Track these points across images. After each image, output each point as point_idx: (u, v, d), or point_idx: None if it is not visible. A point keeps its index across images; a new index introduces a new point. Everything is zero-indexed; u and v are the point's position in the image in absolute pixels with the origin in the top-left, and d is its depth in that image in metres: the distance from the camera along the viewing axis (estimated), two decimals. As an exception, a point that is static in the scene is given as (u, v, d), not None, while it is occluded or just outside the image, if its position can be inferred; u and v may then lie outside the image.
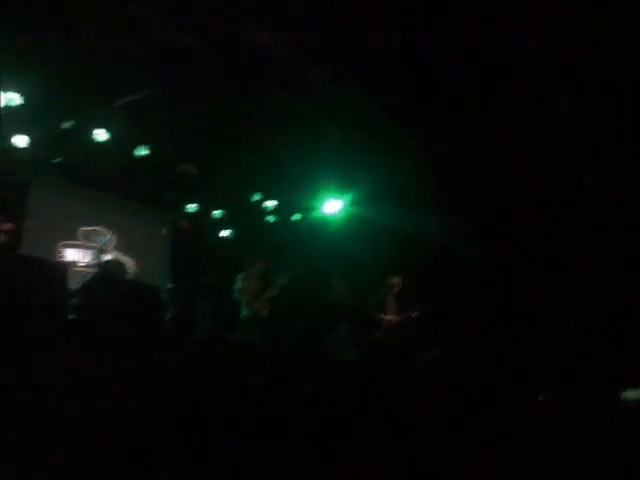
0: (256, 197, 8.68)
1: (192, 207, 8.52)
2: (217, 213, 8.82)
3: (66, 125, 6.17)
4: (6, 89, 5.60)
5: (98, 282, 3.63)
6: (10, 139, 6.13)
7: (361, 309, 7.30)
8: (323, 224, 9.21)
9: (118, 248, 7.95)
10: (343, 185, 8.76)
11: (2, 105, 5.67)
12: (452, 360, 6.76)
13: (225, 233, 9.12)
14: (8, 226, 5.69)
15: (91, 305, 3.32)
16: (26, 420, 2.54)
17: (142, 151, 6.98)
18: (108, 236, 7.86)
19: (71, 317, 3.30)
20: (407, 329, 7.62)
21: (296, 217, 9.24)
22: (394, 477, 3.74)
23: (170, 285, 7.88)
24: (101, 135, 6.54)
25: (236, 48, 5.55)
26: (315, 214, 9.24)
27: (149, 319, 3.95)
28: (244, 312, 7.08)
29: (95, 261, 7.58)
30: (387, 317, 7.61)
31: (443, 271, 8.66)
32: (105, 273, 5.63)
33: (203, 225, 8.94)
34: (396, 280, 7.87)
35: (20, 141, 6.18)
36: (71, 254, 7.47)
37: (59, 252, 7.33)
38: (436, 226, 8.97)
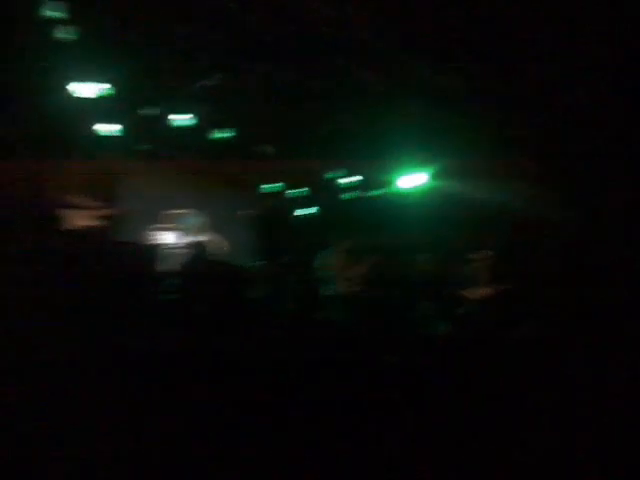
0: (335, 173, 8.67)
1: (274, 186, 8.64)
2: (300, 191, 8.89)
3: (152, 112, 6.37)
4: (98, 80, 5.84)
5: (193, 264, 3.75)
6: (102, 128, 6.39)
7: (449, 284, 7.16)
8: (407, 198, 9.07)
9: (204, 229, 8.20)
10: (426, 158, 8.60)
11: (95, 95, 5.93)
12: (546, 336, 6.54)
13: (309, 211, 9.19)
14: (106, 211, 5.99)
15: (188, 286, 3.45)
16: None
17: (224, 134, 7.12)
18: (195, 218, 8.12)
19: (170, 297, 3.46)
20: (497, 303, 7.42)
21: (376, 192, 9.15)
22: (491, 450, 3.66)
23: (256, 264, 8.07)
24: (184, 120, 6.72)
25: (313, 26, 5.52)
26: (396, 188, 9.12)
27: (241, 298, 4.07)
28: (328, 290, 7.13)
29: (183, 243, 7.87)
30: (475, 291, 7.42)
31: (534, 244, 8.33)
32: (195, 255, 5.81)
33: (284, 204, 9.05)
34: (485, 253, 7.67)
35: (111, 129, 6.44)
36: (162, 236, 7.77)
37: (151, 235, 7.64)
38: (526, 198, 8.65)
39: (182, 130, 6.75)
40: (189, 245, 7.07)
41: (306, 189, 8.89)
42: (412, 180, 8.93)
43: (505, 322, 7.24)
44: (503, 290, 7.52)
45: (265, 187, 8.54)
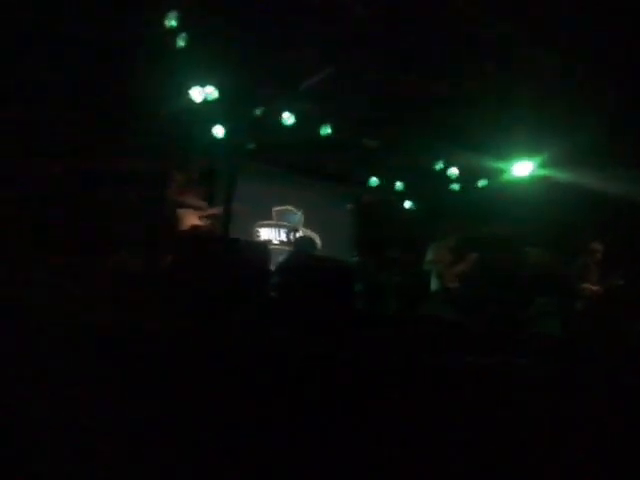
0: (439, 165, 8.47)
1: (374, 181, 8.58)
2: (399, 185, 8.78)
3: (257, 112, 6.51)
4: (203, 84, 6.05)
5: (295, 261, 3.79)
6: (210, 130, 6.61)
7: (561, 278, 6.82)
8: (512, 188, 8.70)
9: (307, 225, 8.32)
10: (533, 146, 8.21)
11: (202, 99, 6.14)
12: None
13: (409, 205, 9.07)
14: (214, 210, 6.21)
15: (290, 283, 3.49)
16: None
17: (326, 130, 7.16)
18: (298, 214, 8.27)
19: (272, 295, 3.51)
20: (612, 299, 7.00)
21: (482, 183, 8.86)
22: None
23: (356, 258, 8.07)
24: (288, 118, 6.81)
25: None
26: (503, 178, 8.77)
27: (343, 294, 4.05)
28: (434, 285, 7.02)
29: (287, 239, 8.03)
30: (589, 286, 7.03)
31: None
32: (300, 252, 5.89)
33: (386, 198, 8.98)
34: (597, 246, 7.27)
35: (218, 132, 6.65)
36: (266, 233, 7.97)
37: (256, 232, 7.86)
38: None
39: (287, 128, 6.85)
40: (288, 242, 7.20)
41: (407, 182, 8.77)
42: (521, 169, 8.56)
43: (622, 316, 6.81)
44: (619, 283, 7.08)
45: (370, 180, 8.50)
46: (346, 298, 3.95)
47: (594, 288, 7.05)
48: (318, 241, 8.20)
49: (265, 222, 8.00)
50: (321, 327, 3.43)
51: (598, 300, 7.01)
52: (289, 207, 8.22)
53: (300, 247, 7.17)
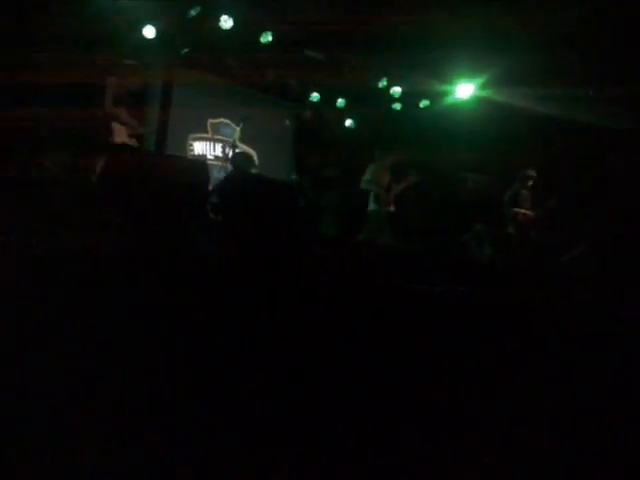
0: (382, 83, 8.20)
1: (315, 96, 8.25)
2: (341, 102, 8.49)
3: (192, 13, 5.97)
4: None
5: (234, 181, 3.55)
6: (140, 31, 6.04)
7: (495, 204, 6.89)
8: (453, 111, 8.60)
9: (244, 140, 7.95)
10: (475, 68, 8.06)
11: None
12: (597, 260, 6.28)
13: (349, 123, 8.82)
14: (142, 129, 5.74)
15: (229, 205, 3.27)
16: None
17: (267, 37, 6.69)
18: (235, 128, 7.86)
19: (212, 216, 3.28)
20: (543, 223, 7.18)
21: (424, 104, 8.70)
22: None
23: (294, 177, 7.86)
24: (226, 22, 6.30)
25: None
26: (445, 100, 8.64)
27: (283, 217, 3.87)
28: (372, 206, 6.94)
29: (223, 154, 7.67)
30: (522, 211, 7.17)
31: (586, 159, 7.91)
32: (240, 170, 5.60)
33: (326, 115, 8.69)
34: (531, 172, 7.36)
35: (148, 32, 6.08)
36: (200, 147, 7.57)
37: (189, 145, 7.44)
38: (577, 109, 8.12)
39: (224, 33, 6.34)
40: (234, 157, 6.85)
41: (348, 99, 8.48)
42: (463, 91, 8.44)
43: (553, 242, 7.03)
44: (550, 206, 7.25)
45: (311, 96, 8.14)
46: (290, 220, 3.76)
47: (527, 213, 7.19)
48: (255, 158, 7.90)
49: (199, 135, 7.57)
50: (265, 251, 3.26)
51: (530, 223, 7.18)
52: (225, 120, 7.79)
53: (237, 164, 6.87)
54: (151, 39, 6.13)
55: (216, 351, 2.56)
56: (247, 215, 3.31)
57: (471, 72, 8.18)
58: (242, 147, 7.85)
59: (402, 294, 3.37)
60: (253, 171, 6.82)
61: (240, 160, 6.92)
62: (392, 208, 6.63)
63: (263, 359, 2.62)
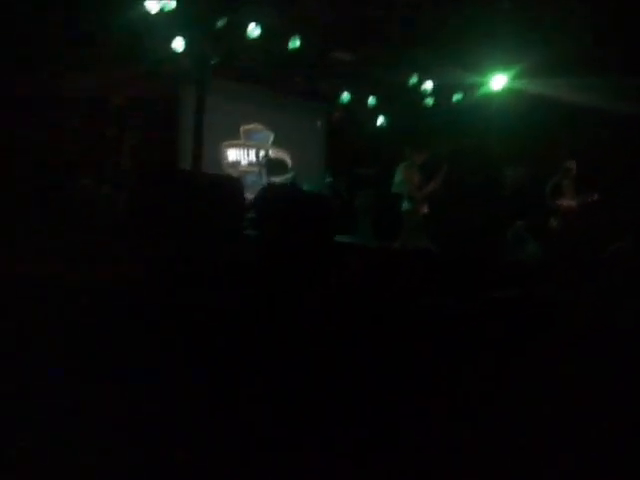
0: (413, 80, 8.11)
1: (346, 96, 8.19)
2: (372, 100, 8.41)
3: (220, 24, 6.00)
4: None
5: (270, 194, 3.53)
6: (169, 43, 6.10)
7: (536, 197, 6.72)
8: (486, 103, 8.44)
9: (277, 144, 7.98)
10: (508, 59, 7.90)
11: (157, 10, 5.62)
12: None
13: (381, 121, 8.74)
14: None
15: (265, 219, 3.25)
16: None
17: (295, 42, 6.69)
18: (267, 132, 7.90)
19: (248, 232, 3.28)
20: (586, 215, 7.01)
21: (457, 97, 8.56)
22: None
23: (329, 179, 7.84)
24: (254, 30, 6.32)
25: None
26: (478, 92, 8.48)
27: (322, 228, 3.85)
28: (405, 206, 6.79)
29: (257, 159, 7.71)
30: (564, 203, 6.99)
31: (627, 150, 7.67)
32: (275, 184, 5.57)
33: (358, 114, 8.63)
34: (571, 164, 7.18)
35: (178, 45, 6.14)
36: (233, 154, 7.61)
37: (223, 153, 7.49)
38: (618, 98, 7.89)
39: (253, 41, 6.36)
40: (267, 163, 6.87)
41: (379, 97, 8.40)
42: (496, 82, 8.28)
43: (597, 234, 6.84)
44: (593, 199, 7.06)
45: (341, 96, 8.08)
46: (327, 233, 3.73)
47: (570, 204, 7.02)
48: (288, 160, 7.92)
49: (233, 142, 7.61)
50: (303, 263, 3.25)
51: (573, 216, 7.02)
52: (257, 125, 7.82)
53: (271, 170, 6.91)
54: (180, 52, 6.19)
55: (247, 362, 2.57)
56: (283, 230, 3.30)
57: (504, 63, 8.03)
58: (275, 151, 7.89)
59: (436, 308, 3.32)
60: (287, 176, 6.86)
61: (272, 165, 6.96)
62: (426, 209, 6.51)
63: (292, 371, 2.62)
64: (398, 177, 6.87)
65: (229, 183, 3.45)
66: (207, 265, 2.98)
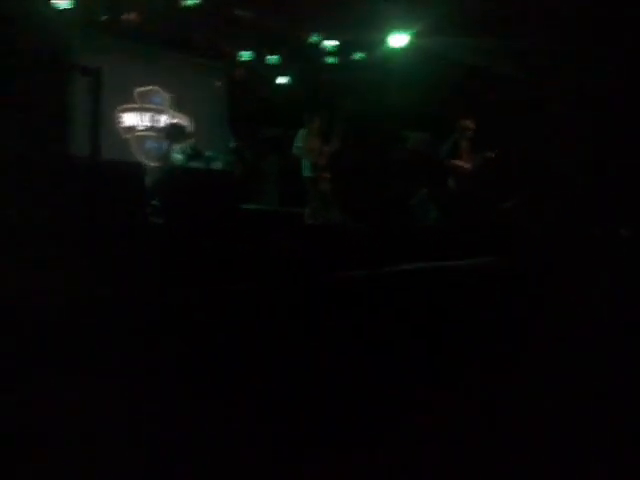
0: (314, 38, 7.94)
1: (246, 54, 7.90)
2: (273, 59, 8.17)
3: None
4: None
5: (173, 180, 3.39)
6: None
7: (436, 162, 6.83)
8: (387, 62, 8.43)
9: (175, 107, 7.61)
10: (408, 18, 7.89)
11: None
12: (533, 210, 6.44)
13: (283, 80, 8.53)
14: None
15: (171, 205, 3.13)
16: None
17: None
18: (165, 95, 7.51)
19: (152, 219, 3.14)
20: (482, 174, 7.21)
21: (359, 56, 8.49)
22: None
23: (233, 144, 7.60)
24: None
25: None
26: (379, 50, 8.44)
27: (228, 203, 3.76)
28: (307, 172, 6.70)
29: (152, 123, 7.33)
30: (460, 163, 7.15)
31: (523, 108, 7.98)
32: (177, 170, 5.28)
33: (259, 73, 8.37)
34: (469, 123, 7.29)
35: (62, 1, 5.63)
36: (129, 118, 7.18)
37: (118, 117, 7.05)
38: (514, 58, 8.14)
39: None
40: (166, 130, 6.50)
41: (281, 55, 8.17)
42: (397, 41, 8.26)
43: (493, 192, 7.14)
44: (490, 156, 7.28)
45: (242, 54, 7.77)
46: (235, 209, 3.65)
47: (465, 165, 7.17)
48: (189, 124, 7.59)
49: (128, 106, 7.17)
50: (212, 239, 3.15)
51: (468, 175, 7.18)
52: (154, 87, 7.40)
53: (170, 135, 6.60)
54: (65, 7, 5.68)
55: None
56: (191, 215, 3.18)
57: (405, 22, 8.02)
58: (175, 116, 7.52)
59: (351, 279, 3.35)
60: (188, 142, 6.58)
61: (174, 132, 6.65)
62: (328, 175, 6.47)
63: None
64: (298, 142, 6.75)
65: (128, 172, 3.25)
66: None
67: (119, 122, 7.04)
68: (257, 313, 2.66)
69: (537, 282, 4.01)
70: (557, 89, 8.09)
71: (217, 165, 6.60)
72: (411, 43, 8.28)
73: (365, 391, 2.61)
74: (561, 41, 7.64)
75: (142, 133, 7.25)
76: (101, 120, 6.32)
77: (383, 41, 8.31)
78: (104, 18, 6.16)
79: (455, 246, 4.37)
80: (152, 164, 6.58)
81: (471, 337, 3.18)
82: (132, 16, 6.32)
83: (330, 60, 8.31)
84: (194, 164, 6.15)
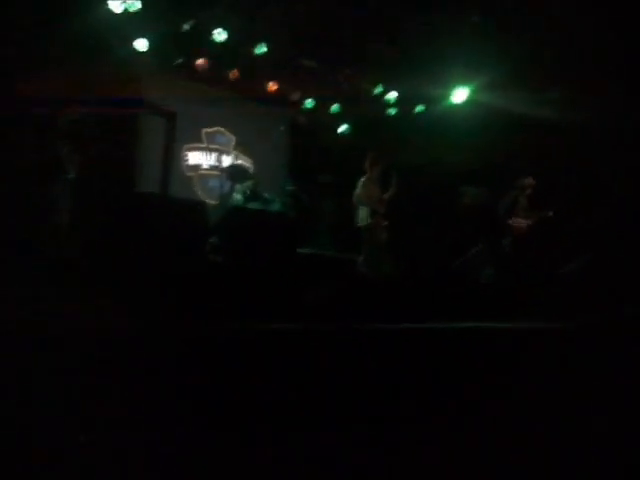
0: (377, 89, 8.13)
1: (310, 102, 8.15)
2: (335, 107, 8.38)
3: (186, 27, 5.88)
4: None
5: (233, 219, 3.49)
6: (131, 44, 5.94)
7: (495, 218, 6.76)
8: (449, 115, 8.51)
9: (239, 148, 7.88)
10: (470, 72, 7.99)
11: (121, 10, 5.46)
12: (599, 275, 6.23)
13: (344, 128, 8.72)
14: None
15: (229, 244, 3.21)
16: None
17: (261, 49, 6.61)
18: (230, 136, 7.79)
19: (212, 257, 3.23)
20: (541, 233, 7.08)
21: (419, 108, 8.62)
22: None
23: (290, 187, 7.75)
24: (220, 35, 6.21)
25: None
26: (440, 104, 8.56)
27: (285, 245, 3.83)
28: (364, 220, 6.69)
29: (218, 163, 7.60)
30: (519, 220, 7.04)
31: (586, 167, 7.85)
32: (237, 208, 5.44)
33: (321, 120, 8.59)
34: (529, 181, 7.23)
35: (141, 45, 5.98)
36: (195, 157, 7.48)
37: (184, 156, 7.35)
38: (576, 114, 8.07)
39: (218, 45, 6.24)
40: (230, 170, 6.69)
41: (343, 104, 8.37)
42: (458, 95, 8.37)
43: (552, 253, 6.97)
44: (549, 215, 7.14)
45: (305, 102, 8.03)
46: (291, 252, 3.71)
47: (523, 223, 7.08)
48: (250, 166, 7.82)
49: (194, 145, 7.47)
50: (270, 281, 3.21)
51: (525, 234, 7.07)
52: (220, 128, 7.70)
53: (232, 175, 6.81)
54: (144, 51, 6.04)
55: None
56: (248, 253, 3.26)
57: (466, 77, 8.12)
58: (238, 157, 7.78)
59: (399, 335, 3.32)
60: (249, 183, 6.76)
61: (235, 172, 6.86)
62: (385, 223, 6.46)
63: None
64: (358, 190, 6.76)
65: (192, 208, 3.37)
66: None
67: (185, 160, 7.33)
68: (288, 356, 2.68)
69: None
70: (622, 144, 7.96)
71: (275, 207, 6.75)
72: (471, 97, 8.38)
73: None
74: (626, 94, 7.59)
75: (206, 172, 7.52)
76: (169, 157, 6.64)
77: (444, 95, 8.44)
78: (177, 62, 6.47)
79: (508, 307, 4.30)
80: (213, 202, 6.80)
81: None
82: (203, 62, 6.64)
83: (391, 111, 8.46)
84: (253, 205, 6.31)
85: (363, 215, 6.54)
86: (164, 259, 2.92)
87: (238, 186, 6.62)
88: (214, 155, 7.63)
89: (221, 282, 2.93)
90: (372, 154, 6.76)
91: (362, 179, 6.67)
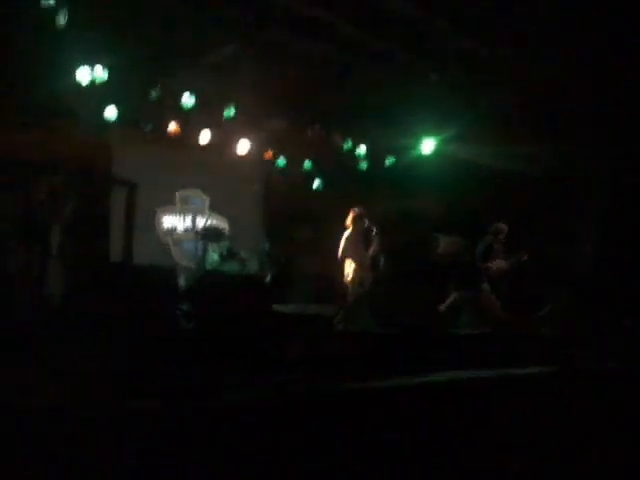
0: (347, 145, 8.29)
1: (282, 161, 8.25)
2: (307, 164, 8.50)
3: (153, 94, 5.99)
4: (92, 63, 5.46)
5: (203, 287, 3.47)
6: (101, 112, 6.03)
7: (468, 265, 6.81)
8: (418, 166, 8.68)
9: (214, 208, 7.91)
10: (436, 124, 8.21)
11: (89, 81, 5.55)
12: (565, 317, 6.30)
13: (317, 184, 8.82)
14: None
15: (200, 311, 3.18)
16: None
17: (230, 111, 6.74)
18: (204, 198, 7.83)
19: (182, 324, 3.19)
20: (517, 278, 7.14)
21: (389, 161, 8.78)
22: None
23: (267, 247, 7.75)
24: (189, 99, 6.33)
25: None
26: (410, 156, 8.73)
27: (258, 310, 3.79)
28: (352, 273, 6.65)
29: (193, 225, 7.61)
30: (499, 263, 7.07)
31: (556, 211, 8.02)
32: (208, 273, 5.45)
33: (295, 177, 8.68)
34: (502, 226, 7.33)
35: (110, 114, 6.07)
36: (169, 221, 7.49)
37: (158, 219, 7.35)
38: (541, 161, 8.31)
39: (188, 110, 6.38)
40: (204, 233, 6.70)
41: (314, 161, 8.50)
42: (426, 146, 8.56)
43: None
44: (524, 259, 7.23)
45: (277, 161, 8.14)
46: (266, 312, 3.68)
47: (504, 263, 7.12)
48: (225, 226, 7.84)
49: (168, 207, 7.49)
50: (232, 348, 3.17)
51: (503, 277, 7.14)
52: (194, 190, 7.75)
53: (207, 237, 6.81)
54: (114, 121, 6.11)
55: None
56: (222, 321, 3.22)
57: (434, 128, 8.33)
58: (213, 218, 7.80)
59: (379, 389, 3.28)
60: (224, 244, 6.77)
61: (210, 234, 6.87)
62: (370, 275, 6.46)
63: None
64: (344, 245, 6.71)
65: (162, 275, 3.36)
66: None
67: (160, 224, 7.33)
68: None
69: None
70: (589, 190, 8.18)
71: (251, 265, 6.74)
72: (439, 148, 8.58)
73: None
74: (593, 143, 7.86)
75: (181, 235, 7.52)
76: (143, 222, 6.63)
77: (413, 145, 8.63)
78: (148, 128, 6.55)
79: (486, 354, 4.29)
80: (191, 265, 6.78)
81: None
82: (174, 126, 6.73)
83: (362, 165, 8.60)
84: (228, 265, 6.30)
85: (350, 269, 6.50)
86: (134, 328, 2.88)
87: (215, 246, 6.62)
88: (189, 217, 7.64)
89: (189, 351, 2.89)
90: (356, 209, 6.78)
91: (346, 234, 6.65)
